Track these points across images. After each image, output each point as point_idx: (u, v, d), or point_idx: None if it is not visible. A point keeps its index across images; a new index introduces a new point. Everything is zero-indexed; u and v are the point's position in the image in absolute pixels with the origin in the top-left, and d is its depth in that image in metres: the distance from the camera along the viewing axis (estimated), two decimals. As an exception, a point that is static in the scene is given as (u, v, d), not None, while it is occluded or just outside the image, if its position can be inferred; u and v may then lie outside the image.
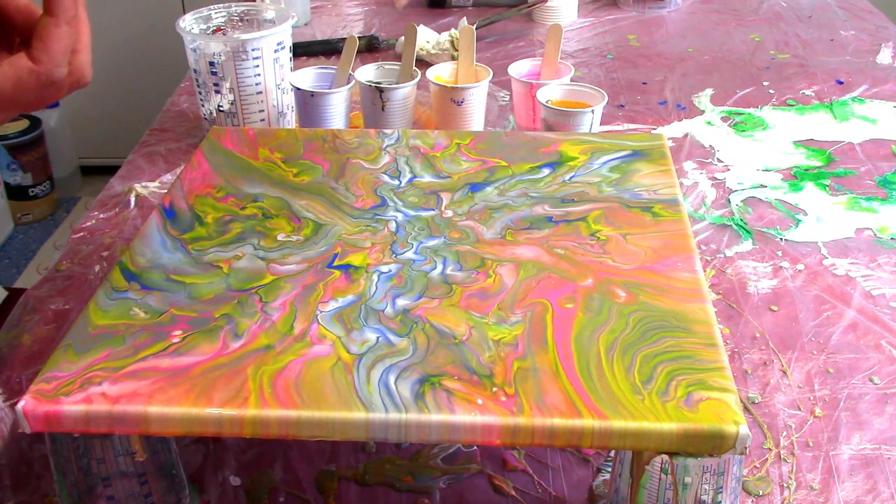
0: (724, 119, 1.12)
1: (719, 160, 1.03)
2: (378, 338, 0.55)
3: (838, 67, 1.27)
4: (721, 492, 0.51)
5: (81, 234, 0.91)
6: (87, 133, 2.55)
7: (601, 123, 0.99)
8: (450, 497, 0.62)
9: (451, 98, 0.99)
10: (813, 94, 1.19)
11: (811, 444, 0.66)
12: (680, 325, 0.55)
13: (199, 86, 1.01)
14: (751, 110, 1.14)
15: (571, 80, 1.01)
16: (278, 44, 0.98)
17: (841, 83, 1.22)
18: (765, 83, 1.22)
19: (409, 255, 0.63)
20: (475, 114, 1.01)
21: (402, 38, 1.21)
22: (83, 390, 0.50)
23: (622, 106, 1.16)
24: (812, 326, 0.77)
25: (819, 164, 1.02)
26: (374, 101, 0.98)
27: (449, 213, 0.68)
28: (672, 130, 1.09)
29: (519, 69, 1.04)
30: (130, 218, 0.93)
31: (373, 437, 0.49)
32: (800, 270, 0.84)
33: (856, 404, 0.69)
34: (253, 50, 0.96)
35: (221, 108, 1.00)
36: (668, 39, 1.39)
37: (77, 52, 0.55)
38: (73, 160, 2.59)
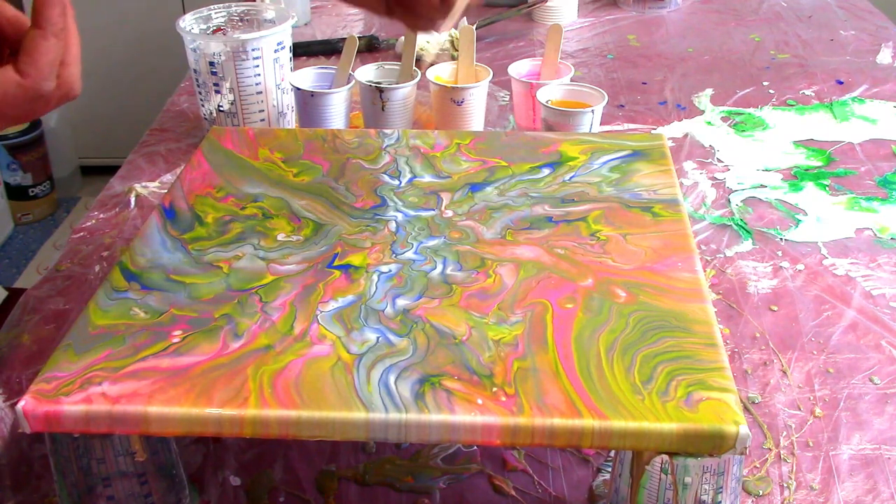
0: (724, 119, 1.12)
1: (719, 160, 1.03)
2: (378, 338, 0.55)
3: (838, 67, 1.27)
4: (721, 492, 0.51)
5: (81, 234, 0.91)
6: (87, 133, 2.55)
7: (601, 123, 0.99)
8: (450, 497, 0.62)
9: (451, 98, 0.99)
10: (813, 94, 1.19)
11: (811, 444, 0.66)
12: (680, 325, 0.55)
13: (199, 86, 1.01)
14: (751, 110, 1.14)
15: (571, 80, 1.01)
16: (278, 44, 0.98)
17: (841, 83, 1.22)
18: (765, 83, 1.22)
19: (409, 255, 0.63)
20: (475, 114, 1.01)
21: (402, 38, 1.21)
22: (83, 390, 0.50)
23: (622, 106, 1.16)
24: (812, 326, 0.77)
25: (819, 164, 1.02)
26: (374, 101, 0.98)
27: (449, 213, 0.68)
28: (672, 130, 1.09)
29: (519, 69, 1.04)
30: (130, 218, 0.93)
31: (373, 437, 0.49)
32: (800, 270, 0.84)
33: (856, 404, 0.69)
34: (253, 50, 0.97)
35: (221, 108, 1.00)
36: (668, 39, 1.39)
37: (66, 65, 0.54)
38: (73, 160, 2.59)
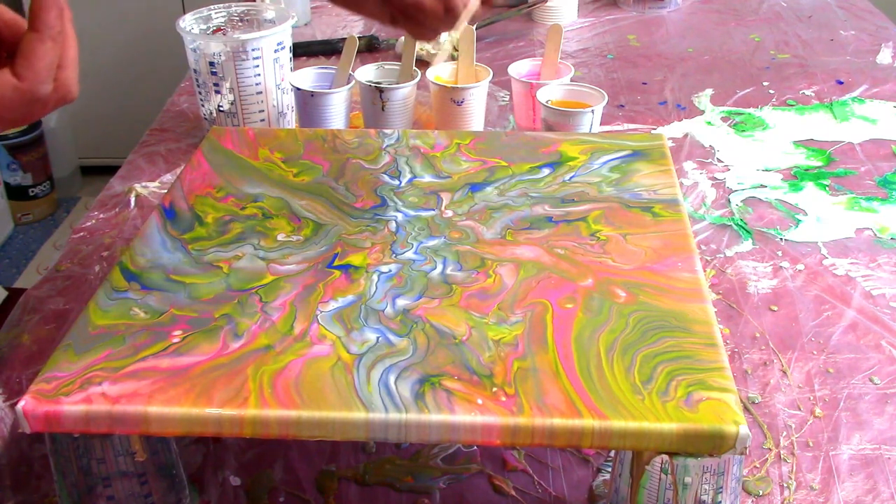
0: (724, 119, 1.12)
1: (719, 160, 1.03)
2: (378, 338, 0.55)
3: (838, 67, 1.27)
4: (721, 492, 0.51)
5: (81, 234, 0.91)
6: (87, 133, 2.55)
7: (601, 123, 0.99)
8: (450, 497, 0.62)
9: (451, 98, 0.99)
10: (813, 94, 1.19)
11: (811, 444, 0.66)
12: (680, 325, 0.55)
13: (199, 86, 1.01)
14: (751, 110, 1.14)
15: (571, 80, 1.01)
16: (278, 44, 0.98)
17: (841, 83, 1.22)
18: (765, 83, 1.22)
19: (409, 255, 0.63)
20: (475, 114, 1.01)
21: (402, 38, 1.21)
22: (83, 390, 0.50)
23: (622, 106, 1.16)
24: (812, 326, 0.77)
25: (819, 164, 1.02)
26: (374, 101, 0.98)
27: (449, 213, 0.68)
28: (672, 130, 1.09)
29: (519, 69, 1.04)
30: (130, 218, 0.93)
31: (373, 437, 0.49)
32: (800, 270, 0.84)
33: (856, 404, 0.69)
34: (253, 50, 0.96)
35: (221, 108, 1.00)
36: (668, 39, 1.39)
37: (63, 68, 0.54)
38: (73, 160, 2.59)
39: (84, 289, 0.82)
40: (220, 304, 0.58)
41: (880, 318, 0.78)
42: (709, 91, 1.20)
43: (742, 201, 0.95)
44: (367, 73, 1.01)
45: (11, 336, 0.77)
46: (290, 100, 1.03)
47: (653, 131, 1.09)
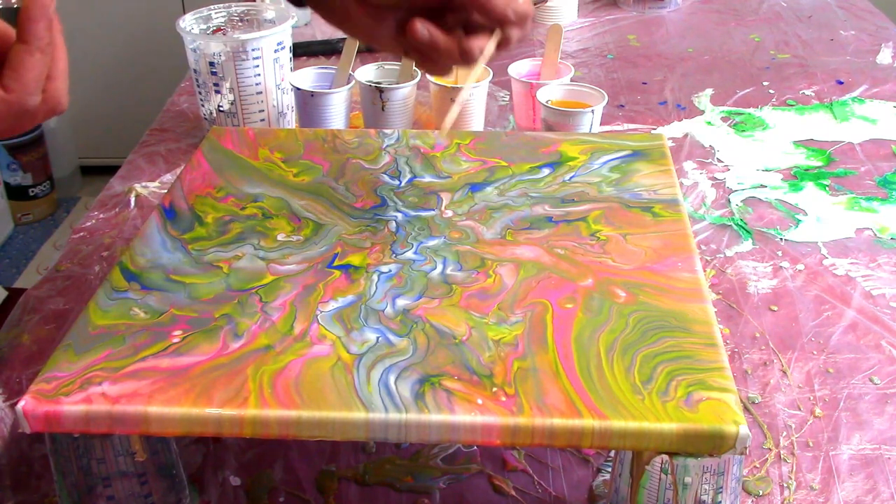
0: (724, 119, 1.12)
1: (719, 160, 1.03)
2: (378, 338, 0.55)
3: (838, 67, 1.27)
4: (721, 492, 0.51)
5: (81, 234, 0.91)
6: (87, 133, 2.55)
7: (601, 123, 0.99)
8: (450, 497, 0.62)
9: (451, 98, 0.99)
10: (813, 94, 1.19)
11: (811, 444, 0.66)
12: (680, 325, 0.55)
13: (199, 86, 1.01)
14: (751, 110, 1.14)
15: (571, 80, 1.01)
16: (278, 44, 0.98)
17: (841, 83, 1.22)
18: (765, 83, 1.22)
19: (409, 255, 0.63)
20: (475, 114, 1.01)
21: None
22: (83, 390, 0.50)
23: (622, 106, 1.16)
24: (812, 326, 0.77)
25: (819, 164, 1.02)
26: (374, 101, 0.98)
27: (449, 213, 0.68)
28: (672, 130, 1.09)
29: (519, 69, 1.04)
30: (130, 218, 0.93)
31: (373, 437, 0.49)
32: (800, 270, 0.84)
33: (856, 404, 0.69)
34: (253, 50, 0.96)
35: (221, 108, 1.00)
36: (668, 39, 1.39)
37: (52, 79, 0.53)
38: (73, 160, 2.59)
39: (84, 289, 0.82)
40: (220, 304, 0.58)
41: (880, 318, 0.78)
42: (709, 91, 1.20)
43: (742, 201, 0.95)
44: (367, 73, 1.01)
45: (11, 336, 0.77)
46: (290, 100, 1.03)
47: (653, 131, 1.09)
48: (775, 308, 0.79)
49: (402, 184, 0.72)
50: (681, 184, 0.94)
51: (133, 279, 0.60)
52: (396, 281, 0.60)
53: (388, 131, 0.80)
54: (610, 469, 0.63)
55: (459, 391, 0.50)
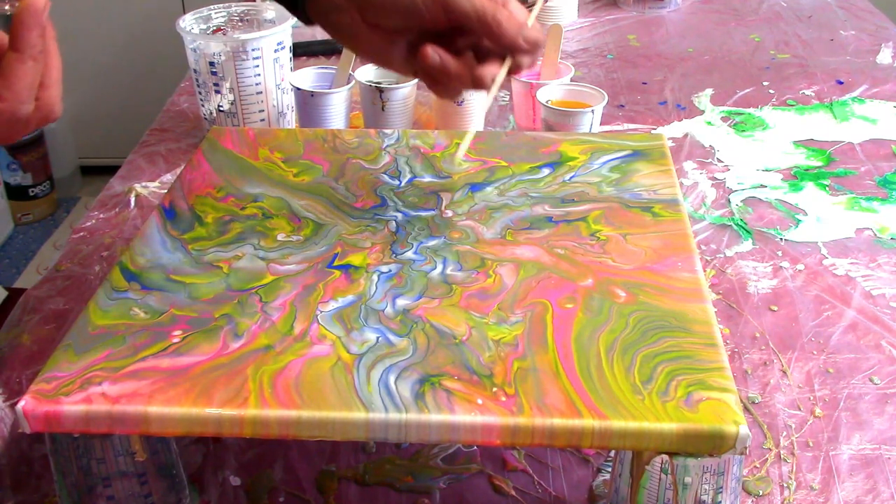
0: (724, 119, 1.12)
1: (719, 160, 1.03)
2: (378, 338, 0.55)
3: (838, 67, 1.27)
4: (721, 492, 0.51)
5: (81, 234, 0.91)
6: (87, 133, 2.55)
7: (601, 123, 0.99)
8: (450, 497, 0.62)
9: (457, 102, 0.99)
10: (813, 94, 1.19)
11: (811, 444, 0.66)
12: (680, 325, 0.55)
13: (199, 86, 1.01)
14: (751, 110, 1.14)
15: (571, 80, 1.01)
16: (278, 44, 0.98)
17: (841, 83, 1.22)
18: (765, 83, 1.22)
19: (409, 255, 0.63)
20: (475, 114, 1.01)
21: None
22: (83, 390, 0.50)
23: (622, 106, 1.16)
24: (812, 326, 0.77)
25: (819, 164, 1.02)
26: (374, 101, 0.98)
27: (449, 213, 0.68)
28: (672, 130, 1.09)
29: (519, 69, 1.04)
30: (130, 218, 0.93)
31: (373, 437, 0.49)
32: (800, 270, 0.84)
33: (856, 404, 0.69)
34: (253, 50, 0.97)
35: (221, 108, 1.00)
36: (668, 39, 1.39)
37: (45, 87, 0.53)
38: (73, 160, 2.59)
39: (84, 289, 0.82)
40: (220, 304, 0.58)
41: (880, 318, 0.78)
42: (709, 91, 1.20)
43: (742, 201, 0.95)
44: (367, 72, 1.01)
45: (11, 336, 0.77)
46: (290, 100, 1.03)
47: (653, 131, 1.09)
48: (775, 308, 0.79)
49: (402, 184, 0.72)
50: (681, 184, 0.94)
51: (133, 279, 0.60)
52: (396, 281, 0.60)
53: (388, 131, 0.80)
54: (610, 469, 0.63)
55: (459, 391, 0.50)
